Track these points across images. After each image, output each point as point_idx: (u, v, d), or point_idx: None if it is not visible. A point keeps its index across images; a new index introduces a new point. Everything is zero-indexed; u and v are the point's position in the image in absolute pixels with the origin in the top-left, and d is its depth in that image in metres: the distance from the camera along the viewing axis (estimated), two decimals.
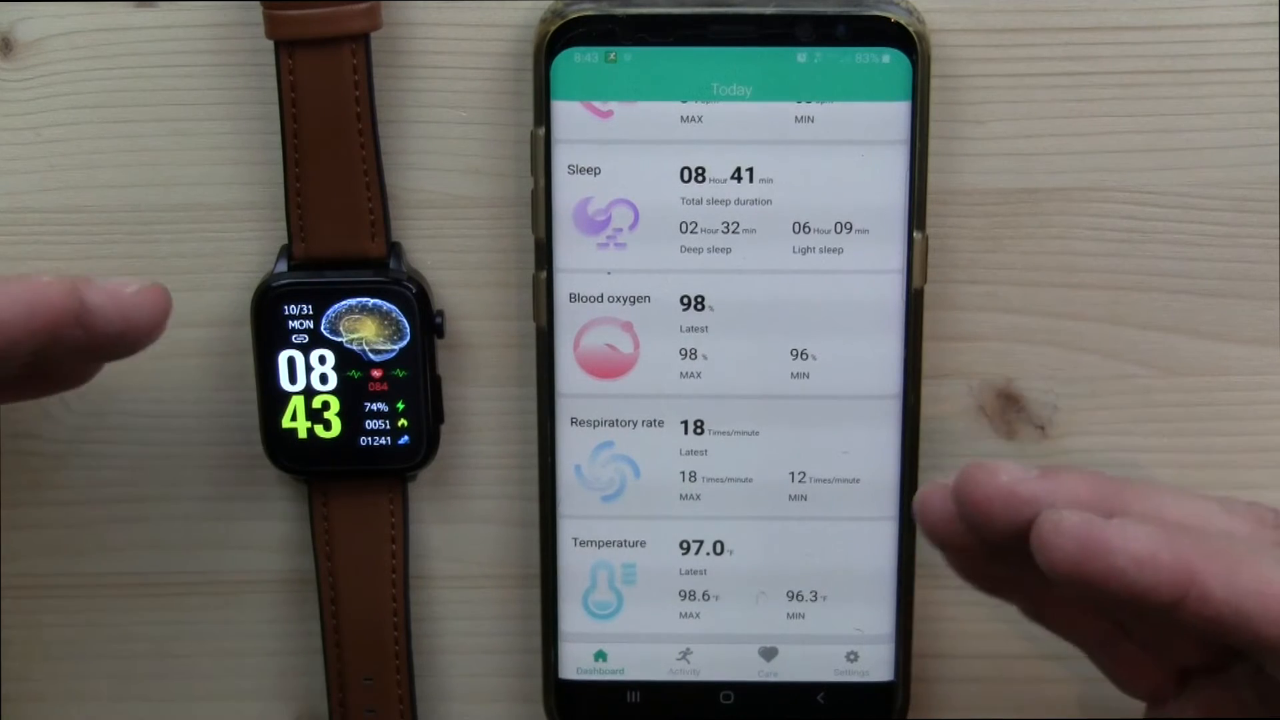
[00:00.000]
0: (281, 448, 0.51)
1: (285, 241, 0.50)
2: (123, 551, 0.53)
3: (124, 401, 0.48)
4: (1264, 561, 0.42)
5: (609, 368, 0.50)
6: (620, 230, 0.49)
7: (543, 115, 0.48)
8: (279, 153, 0.49)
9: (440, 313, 0.50)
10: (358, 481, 0.52)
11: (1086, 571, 0.42)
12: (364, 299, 0.50)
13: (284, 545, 0.53)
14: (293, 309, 0.50)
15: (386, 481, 0.52)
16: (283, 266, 0.50)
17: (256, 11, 0.48)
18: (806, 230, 0.49)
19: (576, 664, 0.52)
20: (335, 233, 0.49)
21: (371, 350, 0.50)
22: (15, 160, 0.47)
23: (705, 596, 0.52)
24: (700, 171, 0.49)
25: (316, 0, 0.47)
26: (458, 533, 0.53)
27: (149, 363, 0.46)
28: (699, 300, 0.50)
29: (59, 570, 0.52)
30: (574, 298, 0.50)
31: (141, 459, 0.52)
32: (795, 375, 0.50)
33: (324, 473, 0.52)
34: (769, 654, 0.52)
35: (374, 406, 0.50)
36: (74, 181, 0.50)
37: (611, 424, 0.51)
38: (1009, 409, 0.52)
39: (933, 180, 0.49)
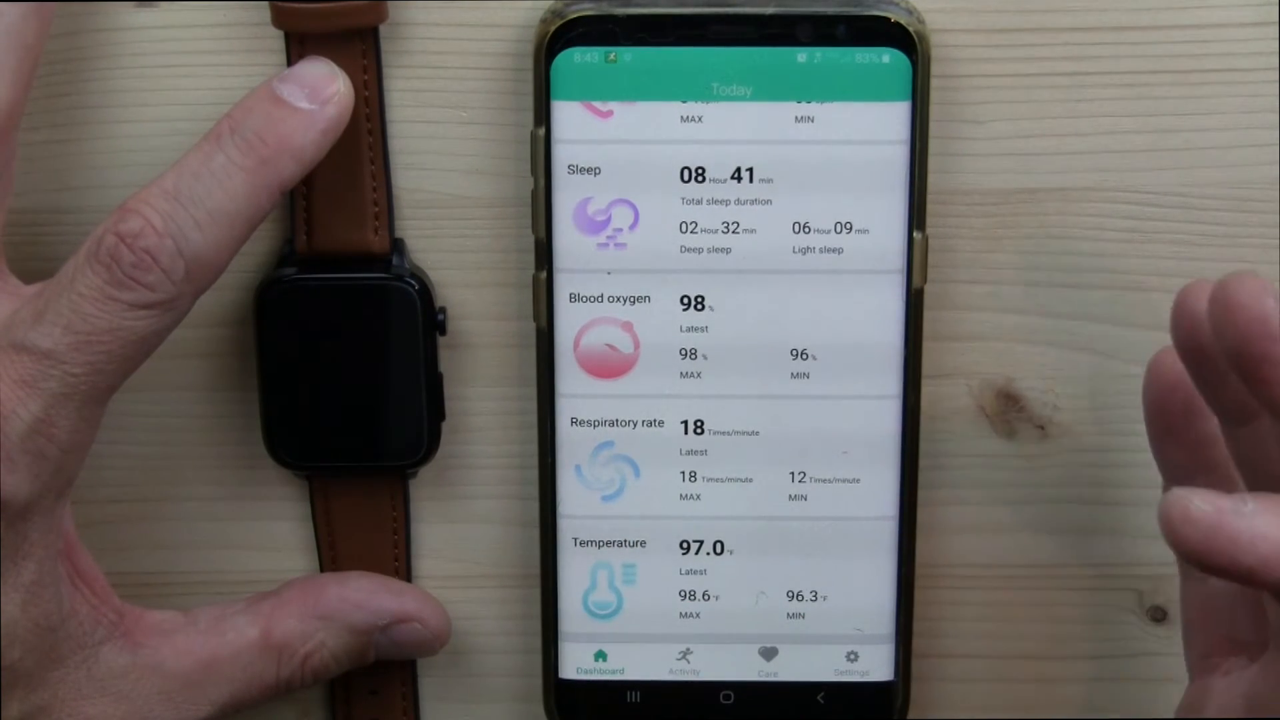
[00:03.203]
0: (282, 443, 0.51)
1: (287, 238, 0.50)
2: (124, 551, 0.53)
3: (124, 401, 0.48)
4: None
5: (609, 368, 0.50)
6: (620, 230, 0.49)
7: (543, 115, 0.48)
8: None
9: (442, 309, 0.50)
10: (359, 478, 0.52)
11: (1211, 561, 0.41)
12: (367, 294, 0.50)
13: (286, 545, 0.53)
14: (295, 304, 0.50)
15: (387, 478, 0.52)
16: (286, 262, 0.50)
17: (257, 11, 0.48)
18: (806, 230, 0.49)
19: (576, 664, 0.52)
20: (340, 227, 0.49)
21: (373, 346, 0.50)
22: (16, 160, 0.47)
23: (705, 596, 0.52)
24: (700, 171, 0.49)
25: None
26: (458, 532, 0.53)
27: (150, 362, 0.46)
28: (699, 300, 0.50)
29: None
30: (574, 298, 0.50)
31: (142, 459, 0.52)
32: (795, 375, 0.50)
33: (325, 469, 0.52)
34: (769, 654, 0.52)
35: (375, 403, 0.50)
36: (73, 182, 0.50)
37: (611, 424, 0.51)
38: (1009, 409, 0.52)
39: (933, 180, 0.49)
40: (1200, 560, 0.41)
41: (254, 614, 0.50)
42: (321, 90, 0.46)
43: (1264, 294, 0.42)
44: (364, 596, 0.51)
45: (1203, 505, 0.41)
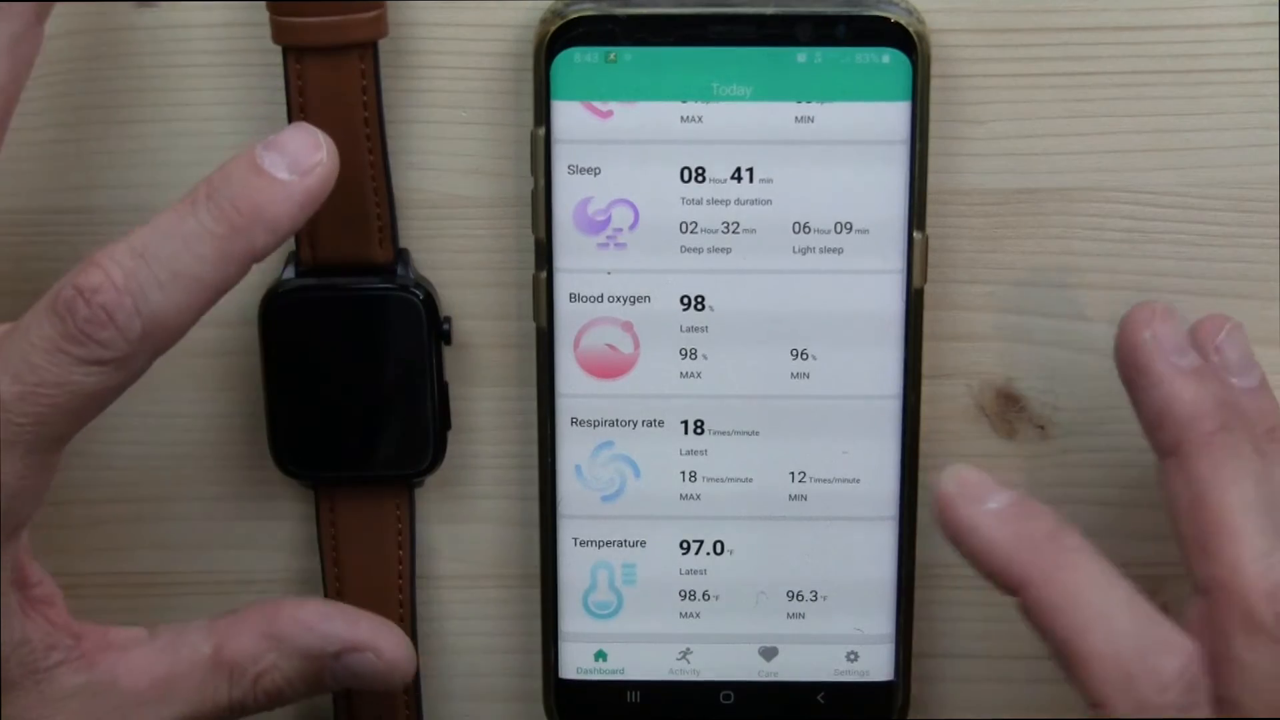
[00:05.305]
0: (289, 454, 0.51)
1: (292, 250, 0.50)
2: (126, 551, 0.53)
3: (127, 401, 0.48)
4: (1086, 576, 0.43)
5: (609, 368, 0.50)
6: (620, 230, 0.49)
7: (543, 115, 0.48)
8: None
9: (448, 319, 0.50)
10: (365, 488, 0.52)
11: (950, 538, 0.44)
12: (371, 305, 0.50)
13: (289, 545, 0.53)
14: (300, 315, 0.50)
15: (394, 488, 0.52)
16: (290, 273, 0.50)
17: (257, 12, 0.48)
18: (806, 230, 0.49)
19: (576, 664, 0.52)
20: (343, 239, 0.49)
21: (379, 357, 0.50)
22: (16, 160, 0.47)
23: (705, 596, 0.52)
24: (700, 171, 0.49)
25: (325, 4, 0.47)
26: (458, 532, 0.53)
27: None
28: (699, 300, 0.50)
29: (62, 570, 0.51)
30: (574, 298, 0.50)
31: (145, 459, 0.52)
32: (795, 375, 0.50)
33: (331, 479, 0.52)
34: (769, 654, 0.52)
35: (381, 413, 0.51)
36: (74, 181, 0.50)
37: (611, 424, 0.51)
38: (1009, 409, 0.52)
39: (933, 180, 0.49)
40: (943, 531, 0.44)
41: (210, 631, 0.49)
42: (303, 161, 0.45)
43: (1142, 325, 0.45)
44: (316, 620, 0.49)
45: (949, 483, 0.44)
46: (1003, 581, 0.43)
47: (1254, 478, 0.44)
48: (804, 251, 0.49)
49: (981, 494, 0.44)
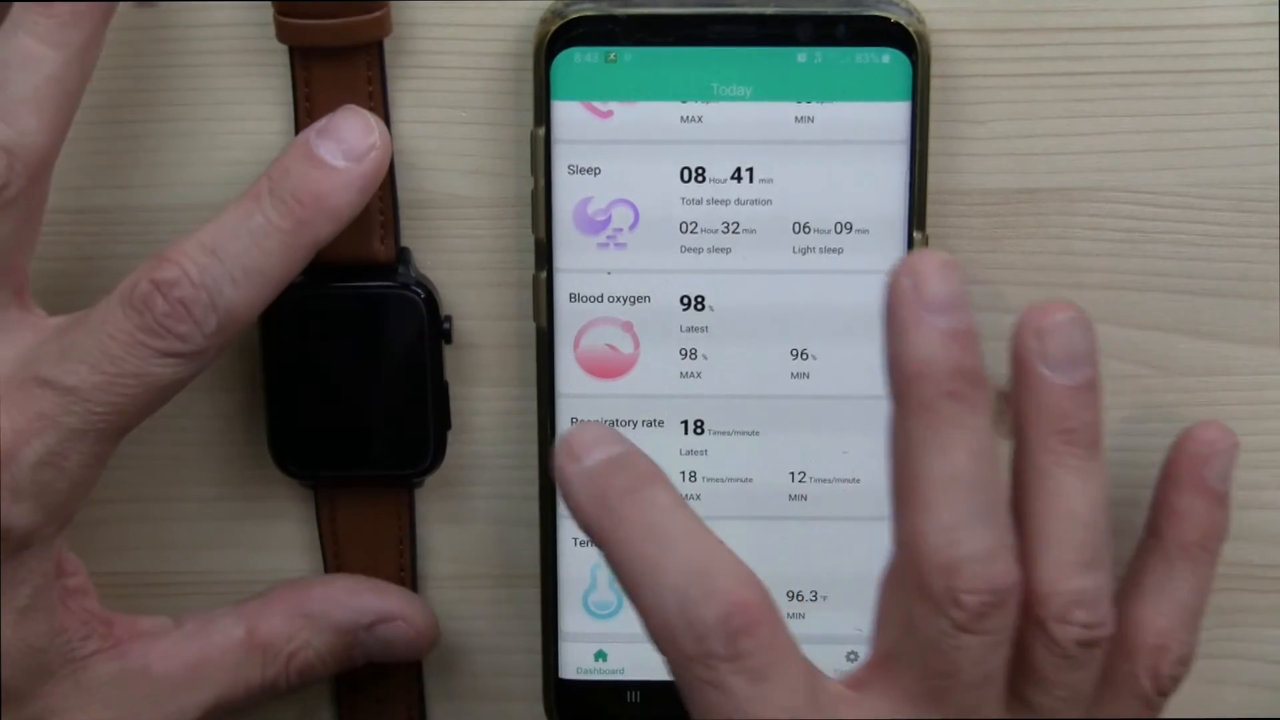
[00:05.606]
0: (289, 454, 0.51)
1: None
2: (128, 551, 0.53)
3: None
4: (642, 532, 0.43)
5: (609, 368, 0.50)
6: (620, 230, 0.49)
7: (543, 115, 0.48)
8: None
9: (448, 318, 0.50)
10: (365, 488, 0.52)
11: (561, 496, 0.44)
12: (373, 304, 0.50)
13: (289, 545, 0.53)
14: (301, 314, 0.50)
15: (394, 488, 0.52)
16: None
17: (258, 12, 0.48)
18: (806, 230, 0.49)
19: (576, 664, 0.52)
20: (344, 238, 0.49)
21: (379, 356, 0.50)
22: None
23: None
24: (700, 171, 0.49)
25: (330, 5, 0.47)
26: (458, 532, 0.53)
27: None
28: (699, 300, 0.50)
29: None
30: (574, 298, 0.50)
31: (147, 459, 0.52)
32: (795, 375, 0.50)
33: (331, 479, 0.52)
34: None
35: (382, 413, 0.51)
36: (74, 182, 0.50)
37: (611, 424, 0.50)
38: (1009, 409, 0.52)
39: (933, 180, 0.49)
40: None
41: (240, 614, 0.50)
42: (358, 146, 0.46)
43: (908, 271, 0.43)
44: (347, 595, 0.51)
45: (563, 437, 0.43)
46: (592, 540, 0.43)
47: (970, 452, 0.43)
48: (804, 251, 0.49)
49: (581, 451, 0.43)
